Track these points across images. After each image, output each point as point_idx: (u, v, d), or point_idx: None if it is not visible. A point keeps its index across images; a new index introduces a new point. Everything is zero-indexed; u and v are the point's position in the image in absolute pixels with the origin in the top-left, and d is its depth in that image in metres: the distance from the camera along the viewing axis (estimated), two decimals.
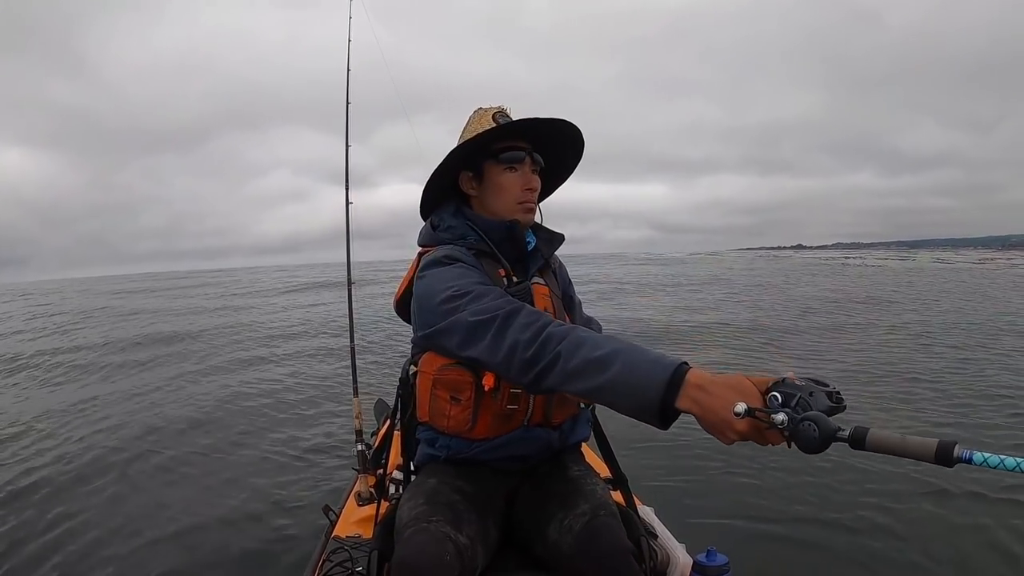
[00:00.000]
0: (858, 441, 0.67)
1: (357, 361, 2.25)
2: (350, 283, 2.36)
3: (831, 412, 0.69)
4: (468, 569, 0.95)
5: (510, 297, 1.00)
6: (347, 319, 2.35)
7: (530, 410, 1.10)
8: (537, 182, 1.18)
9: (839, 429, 0.66)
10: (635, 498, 1.36)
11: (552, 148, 1.20)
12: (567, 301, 1.30)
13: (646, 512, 1.40)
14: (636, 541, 1.08)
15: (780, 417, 0.68)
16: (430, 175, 1.17)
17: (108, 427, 4.00)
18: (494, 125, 1.13)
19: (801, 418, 0.67)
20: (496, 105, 1.18)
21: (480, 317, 0.95)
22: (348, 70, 2.36)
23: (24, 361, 7.02)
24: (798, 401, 0.69)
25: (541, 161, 1.19)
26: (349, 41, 2.37)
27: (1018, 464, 0.64)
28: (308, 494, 2.79)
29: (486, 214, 1.18)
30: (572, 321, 1.27)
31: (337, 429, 3.85)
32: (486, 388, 1.04)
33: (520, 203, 1.16)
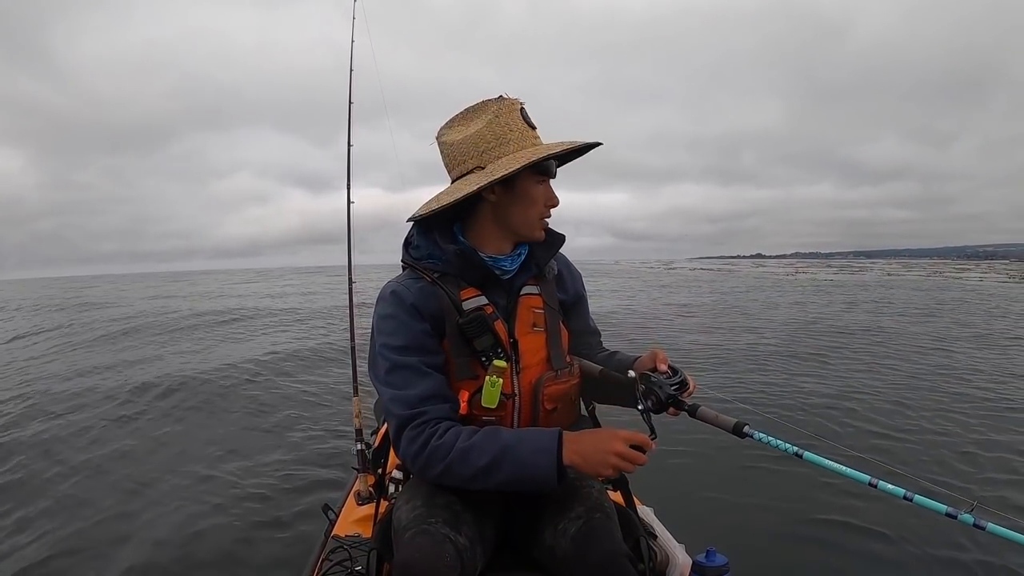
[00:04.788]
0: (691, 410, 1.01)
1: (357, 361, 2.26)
2: (351, 282, 2.37)
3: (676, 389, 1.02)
4: (468, 570, 0.95)
5: (419, 377, 1.01)
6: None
7: (514, 424, 1.09)
8: (556, 197, 1.12)
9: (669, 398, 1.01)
10: (635, 498, 1.36)
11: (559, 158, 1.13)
12: (571, 308, 1.24)
13: (646, 512, 1.40)
14: (635, 542, 1.08)
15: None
16: (457, 187, 1.06)
17: (103, 421, 4.00)
18: (526, 125, 1.07)
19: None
20: (514, 98, 1.08)
21: (392, 410, 1.02)
22: (351, 70, 2.37)
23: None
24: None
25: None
26: (352, 42, 2.37)
27: (786, 447, 0.93)
28: (307, 493, 2.79)
29: (497, 223, 1.10)
30: (574, 331, 1.22)
31: (337, 428, 3.85)
32: (461, 413, 1.05)
33: (542, 218, 1.11)
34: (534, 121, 1.09)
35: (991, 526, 0.79)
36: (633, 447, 0.96)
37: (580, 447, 0.95)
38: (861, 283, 22.97)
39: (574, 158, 1.18)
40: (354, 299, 2.37)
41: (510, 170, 1.01)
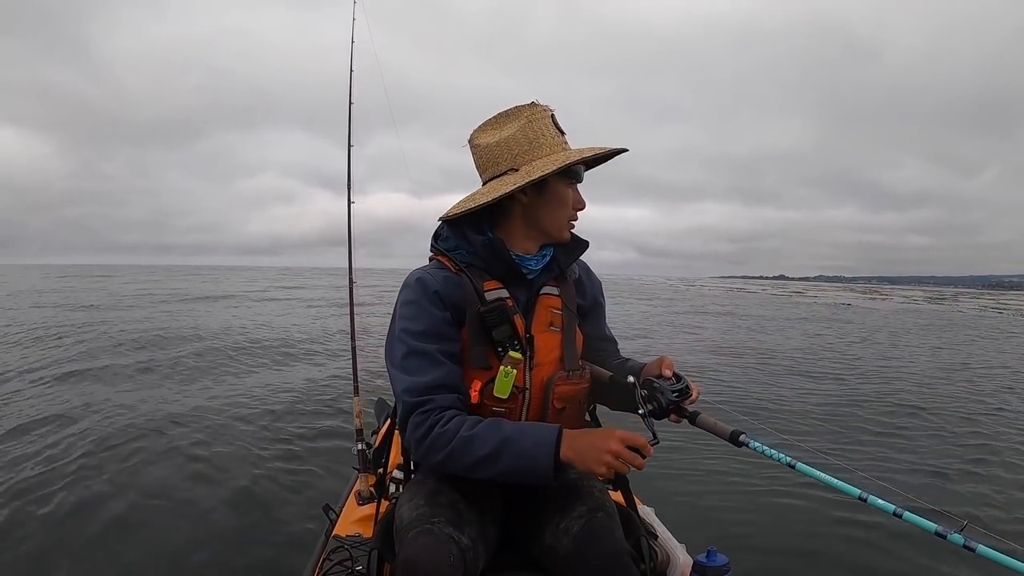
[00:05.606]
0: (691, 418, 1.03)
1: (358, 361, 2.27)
2: (351, 282, 2.37)
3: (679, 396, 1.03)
4: (470, 570, 0.95)
5: (433, 364, 1.03)
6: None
7: (522, 419, 1.10)
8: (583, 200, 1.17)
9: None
10: (636, 498, 1.36)
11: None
12: (587, 313, 1.26)
13: (646, 512, 1.41)
14: (636, 541, 1.08)
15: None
16: (494, 188, 1.09)
17: (103, 424, 4.00)
18: (556, 131, 1.11)
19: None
20: (543, 106, 1.13)
21: (401, 396, 1.04)
22: (351, 71, 2.38)
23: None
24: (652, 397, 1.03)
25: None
26: (352, 42, 2.38)
27: (780, 457, 0.96)
28: (308, 493, 2.79)
29: (527, 224, 1.13)
30: (590, 336, 1.24)
31: (337, 428, 3.86)
32: (472, 402, 1.06)
33: (570, 220, 1.15)
34: (563, 128, 1.14)
35: (981, 547, 0.80)
36: (631, 448, 0.96)
37: (576, 444, 0.97)
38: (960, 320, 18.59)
39: (597, 164, 1.21)
40: (354, 302, 2.38)
41: (546, 172, 1.05)
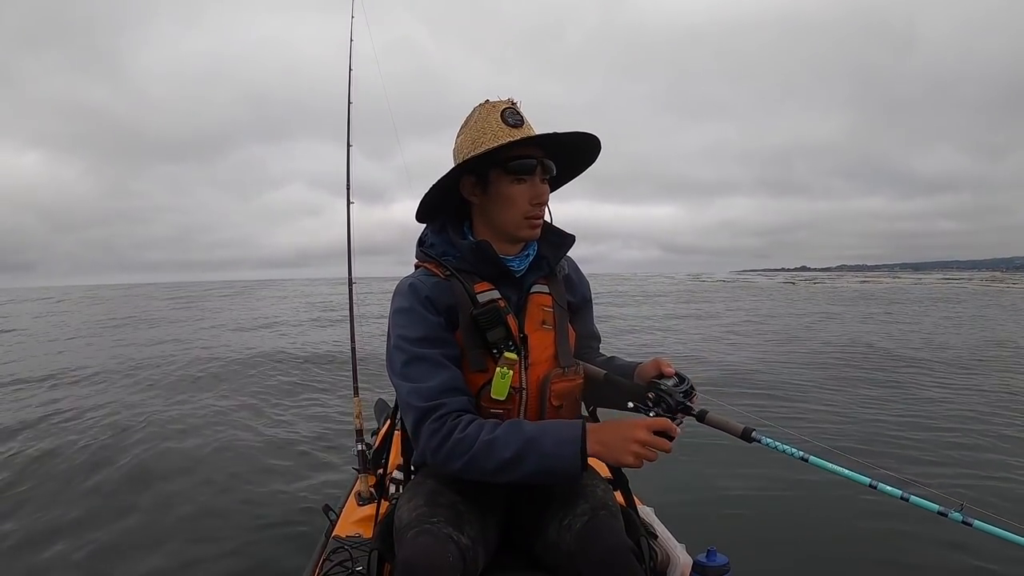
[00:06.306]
0: (699, 417, 1.02)
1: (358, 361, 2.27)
2: (351, 282, 2.37)
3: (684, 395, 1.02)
4: (470, 570, 0.95)
5: (436, 369, 1.01)
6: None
7: (521, 418, 1.09)
8: (547, 194, 1.10)
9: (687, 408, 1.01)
10: (635, 498, 1.36)
11: (565, 151, 1.12)
12: (577, 310, 1.24)
13: (646, 512, 1.41)
14: (636, 541, 1.08)
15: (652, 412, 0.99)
16: (432, 184, 1.10)
17: (104, 422, 4.00)
18: (503, 125, 1.05)
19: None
20: (504, 99, 1.09)
21: (410, 403, 1.02)
22: (350, 69, 2.39)
23: None
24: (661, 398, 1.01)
25: (553, 169, 1.10)
26: (351, 40, 2.38)
27: (793, 451, 0.99)
28: (308, 494, 2.79)
29: (486, 225, 1.13)
30: (579, 333, 1.23)
31: (337, 429, 3.86)
32: None
33: (527, 218, 1.09)
34: (529, 119, 1.09)
35: (977, 523, 0.90)
36: (657, 433, 0.95)
37: (602, 436, 0.96)
38: None
39: (584, 159, 1.17)
40: (354, 302, 2.38)
41: (441, 176, 1.08)
